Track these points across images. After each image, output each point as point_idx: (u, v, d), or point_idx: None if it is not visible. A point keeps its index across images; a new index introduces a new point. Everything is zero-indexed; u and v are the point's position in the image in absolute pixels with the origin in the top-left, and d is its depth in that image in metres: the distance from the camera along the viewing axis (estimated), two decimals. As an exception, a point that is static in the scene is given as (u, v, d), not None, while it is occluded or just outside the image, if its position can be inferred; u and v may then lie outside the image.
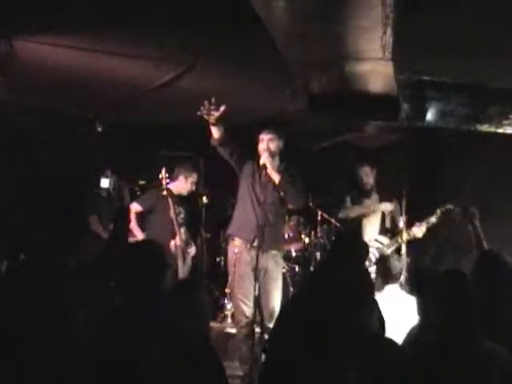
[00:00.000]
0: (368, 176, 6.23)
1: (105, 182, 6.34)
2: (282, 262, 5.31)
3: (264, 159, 5.00)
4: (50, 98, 6.07)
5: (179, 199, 6.06)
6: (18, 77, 4.68)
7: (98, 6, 3.55)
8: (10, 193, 6.09)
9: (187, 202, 6.32)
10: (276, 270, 5.08)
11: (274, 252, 5.07)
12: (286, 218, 6.77)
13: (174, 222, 5.85)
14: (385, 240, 6.01)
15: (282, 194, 5.06)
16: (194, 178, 6.15)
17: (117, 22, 3.85)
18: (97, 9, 3.60)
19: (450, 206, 5.66)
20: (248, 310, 4.98)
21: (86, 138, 6.93)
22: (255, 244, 4.94)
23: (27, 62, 4.63)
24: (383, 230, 6.16)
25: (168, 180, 5.84)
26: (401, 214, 6.03)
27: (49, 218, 6.35)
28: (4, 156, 6.09)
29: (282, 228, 5.57)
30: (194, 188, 6.20)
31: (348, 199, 6.26)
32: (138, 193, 6.91)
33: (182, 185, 6.07)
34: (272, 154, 5.09)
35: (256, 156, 5.17)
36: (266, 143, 5.10)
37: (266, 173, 5.04)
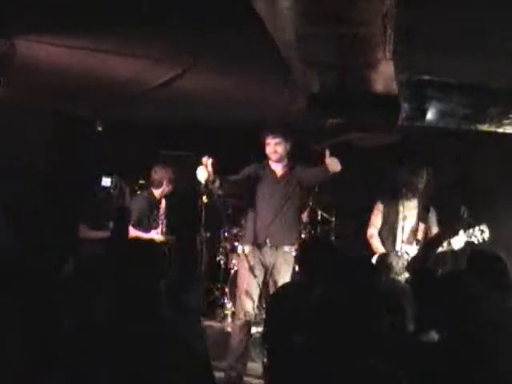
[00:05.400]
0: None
1: (106, 181, 6.34)
2: (292, 260, 5.22)
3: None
4: (49, 98, 6.07)
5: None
6: (18, 77, 4.67)
7: (97, 6, 3.54)
8: (8, 193, 6.09)
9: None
10: (284, 266, 5.08)
11: (285, 248, 5.09)
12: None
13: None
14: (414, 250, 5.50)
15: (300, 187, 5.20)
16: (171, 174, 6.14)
17: (117, 21, 3.84)
18: (97, 9, 3.60)
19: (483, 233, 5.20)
20: (249, 304, 5.01)
21: (86, 138, 6.94)
22: (266, 242, 5.04)
23: (27, 62, 4.63)
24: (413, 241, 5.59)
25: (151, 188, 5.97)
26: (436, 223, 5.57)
27: (46, 219, 6.36)
28: (3, 156, 6.09)
29: (297, 222, 5.42)
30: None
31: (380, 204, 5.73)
32: (138, 192, 6.91)
33: (167, 189, 6.09)
34: (280, 158, 5.20)
35: (264, 158, 5.26)
36: (274, 147, 5.18)
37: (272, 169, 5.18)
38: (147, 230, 5.98)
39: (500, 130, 4.83)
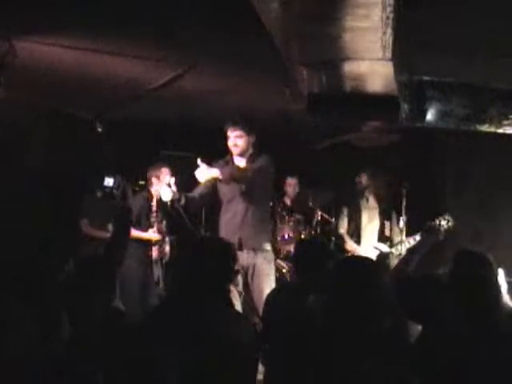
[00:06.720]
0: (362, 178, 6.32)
1: (109, 181, 6.32)
2: (272, 258, 5.11)
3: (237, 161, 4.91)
4: (49, 98, 6.07)
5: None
6: (17, 77, 4.67)
7: (97, 6, 3.55)
8: (8, 192, 6.09)
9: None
10: (266, 265, 4.91)
11: (262, 249, 4.93)
12: (286, 216, 6.77)
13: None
14: (384, 247, 5.99)
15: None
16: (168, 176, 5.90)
17: (117, 21, 3.85)
18: (97, 9, 3.60)
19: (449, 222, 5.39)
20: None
21: (86, 138, 6.93)
22: (242, 246, 4.83)
23: (27, 62, 4.63)
24: (382, 238, 6.12)
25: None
26: (398, 223, 5.98)
27: (45, 220, 6.35)
28: (3, 156, 6.09)
29: (267, 222, 5.25)
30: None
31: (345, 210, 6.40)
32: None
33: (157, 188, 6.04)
34: (241, 152, 4.94)
35: (228, 154, 5.03)
36: (234, 140, 4.93)
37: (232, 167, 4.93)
38: (145, 229, 5.99)
39: (500, 131, 4.83)
